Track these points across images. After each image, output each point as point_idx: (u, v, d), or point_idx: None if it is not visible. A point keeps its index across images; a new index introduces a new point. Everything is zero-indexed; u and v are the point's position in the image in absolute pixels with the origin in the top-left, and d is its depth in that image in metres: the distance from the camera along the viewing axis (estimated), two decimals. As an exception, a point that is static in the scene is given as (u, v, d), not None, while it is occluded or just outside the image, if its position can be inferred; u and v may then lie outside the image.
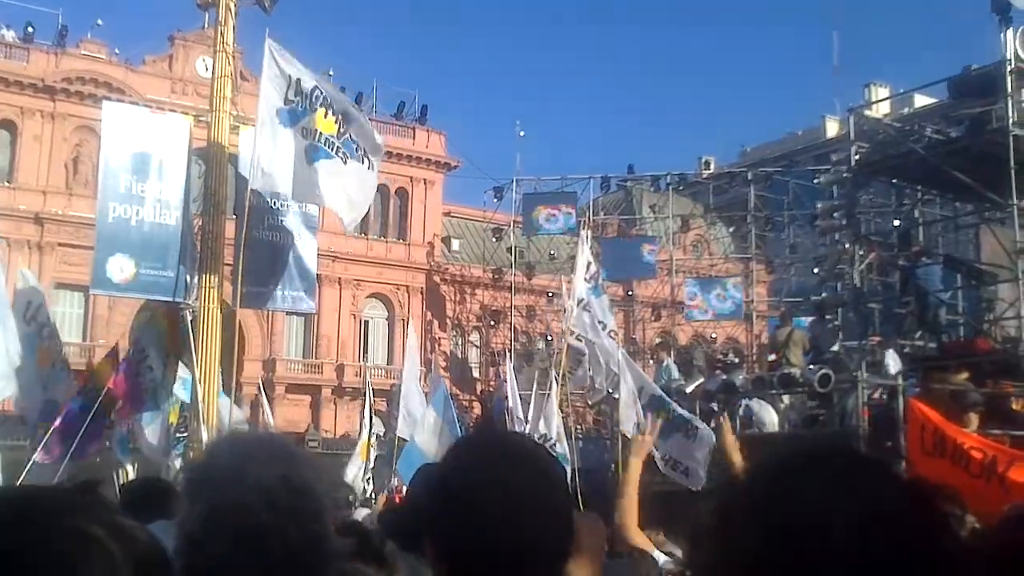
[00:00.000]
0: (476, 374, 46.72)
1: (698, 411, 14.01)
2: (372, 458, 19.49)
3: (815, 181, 29.93)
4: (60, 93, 40.79)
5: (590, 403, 24.17)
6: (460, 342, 48.86)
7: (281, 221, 12.22)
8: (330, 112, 10.74)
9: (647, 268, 37.99)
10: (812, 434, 14.20)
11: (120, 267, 11.21)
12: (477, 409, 40.03)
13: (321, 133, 10.71)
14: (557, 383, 15.40)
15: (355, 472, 18.90)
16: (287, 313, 36.46)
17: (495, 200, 41.43)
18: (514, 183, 40.26)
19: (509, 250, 42.10)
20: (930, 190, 19.04)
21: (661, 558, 4.64)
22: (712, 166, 43.48)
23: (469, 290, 48.25)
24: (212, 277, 11.34)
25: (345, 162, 10.82)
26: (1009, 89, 15.48)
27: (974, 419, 11.10)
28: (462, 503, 1.57)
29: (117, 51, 43.62)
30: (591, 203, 40.42)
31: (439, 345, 46.94)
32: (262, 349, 43.92)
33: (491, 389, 41.27)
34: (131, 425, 13.14)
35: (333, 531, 1.73)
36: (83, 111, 39.62)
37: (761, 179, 38.07)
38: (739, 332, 39.65)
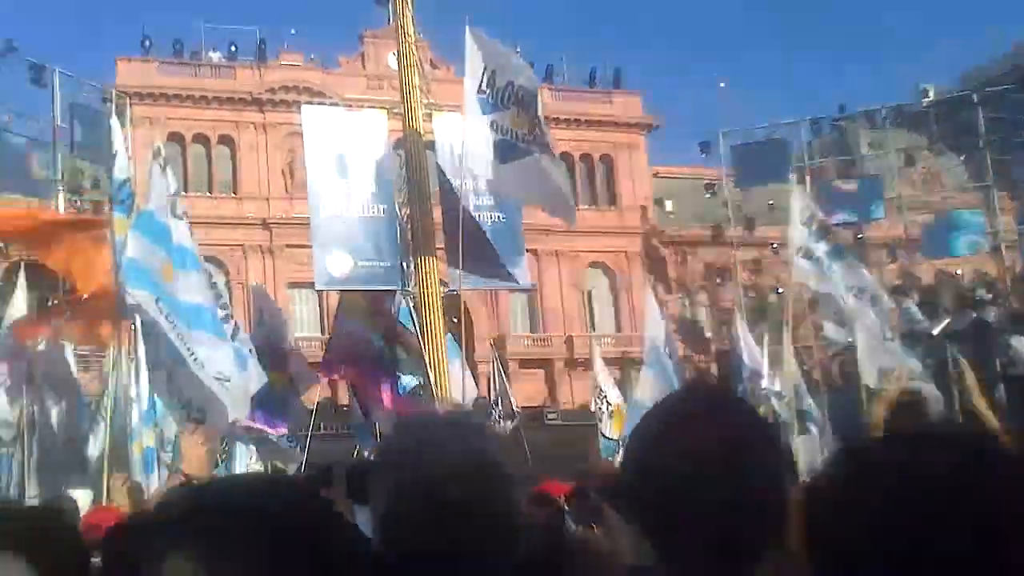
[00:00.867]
0: (708, 334, 45.85)
1: (948, 353, 12.98)
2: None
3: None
4: (267, 104, 43.26)
5: (830, 354, 23.15)
6: (687, 303, 48.13)
7: (486, 202, 12.28)
8: (521, 111, 10.79)
9: (871, 208, 35.96)
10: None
11: (338, 262, 11.59)
12: (713, 370, 39.32)
13: (513, 130, 10.76)
14: (788, 335, 14.69)
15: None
16: (510, 291, 36.99)
17: (702, 155, 40.56)
18: (720, 136, 39.14)
19: (725, 204, 40.96)
20: None
21: None
22: (931, 94, 40.60)
23: (689, 249, 47.43)
24: (427, 262, 11.50)
25: (538, 157, 10.85)
26: None
27: None
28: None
29: (312, 56, 45.68)
30: (804, 147, 38.71)
31: (666, 308, 46.43)
32: (489, 327, 44.83)
33: (725, 348, 40.42)
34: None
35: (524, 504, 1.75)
36: (290, 117, 41.49)
37: (991, 99, 35.22)
38: (988, 266, 36.84)
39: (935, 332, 15.67)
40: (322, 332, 41.81)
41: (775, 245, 38.67)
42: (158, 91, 42.03)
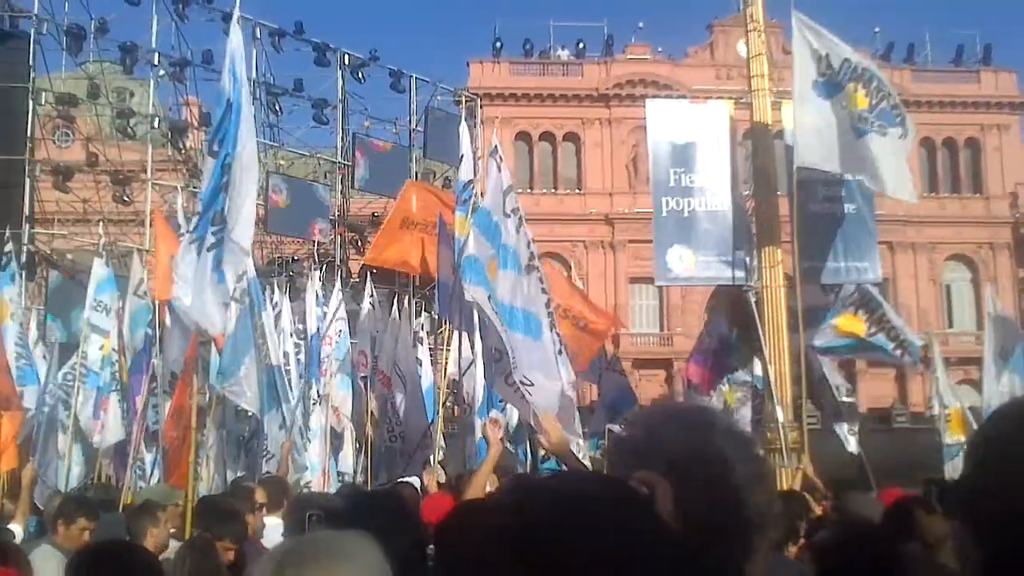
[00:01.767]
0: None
1: None
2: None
3: None
4: (613, 99, 44.00)
5: None
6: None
7: (836, 192, 11.77)
8: (859, 86, 10.41)
9: None
10: None
11: (679, 257, 11.52)
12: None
13: (855, 110, 10.41)
14: None
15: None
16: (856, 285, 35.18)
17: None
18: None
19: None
20: None
21: None
22: None
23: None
24: (772, 255, 11.19)
25: (883, 134, 10.38)
26: None
27: None
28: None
29: (660, 49, 45.76)
30: None
31: (1036, 303, 42.23)
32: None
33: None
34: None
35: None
36: (636, 112, 42.05)
37: None
38: None
39: None
40: (660, 328, 42.07)
41: None
42: (507, 91, 44.16)
